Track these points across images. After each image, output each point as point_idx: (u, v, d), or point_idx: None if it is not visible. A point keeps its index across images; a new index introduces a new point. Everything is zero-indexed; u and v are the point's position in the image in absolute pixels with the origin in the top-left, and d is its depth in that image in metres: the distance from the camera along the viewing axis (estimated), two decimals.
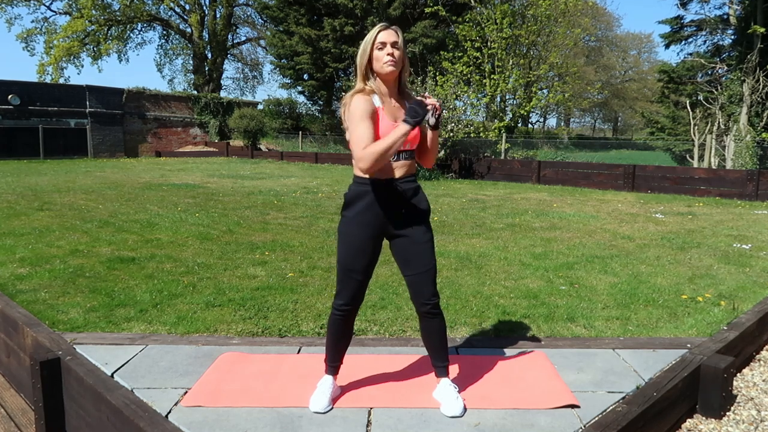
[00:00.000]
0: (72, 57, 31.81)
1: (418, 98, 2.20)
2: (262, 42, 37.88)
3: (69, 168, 16.97)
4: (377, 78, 2.27)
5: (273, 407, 2.37)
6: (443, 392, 2.38)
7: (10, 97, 20.91)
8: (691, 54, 23.06)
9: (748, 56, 16.17)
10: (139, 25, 34.65)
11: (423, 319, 2.41)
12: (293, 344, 3.09)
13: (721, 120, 16.61)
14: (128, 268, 4.75)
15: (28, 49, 35.49)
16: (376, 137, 2.17)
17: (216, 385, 2.55)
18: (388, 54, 2.20)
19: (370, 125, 2.17)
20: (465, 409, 2.33)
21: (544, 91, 24.41)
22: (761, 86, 16.10)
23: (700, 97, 18.30)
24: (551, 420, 2.27)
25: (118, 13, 32.32)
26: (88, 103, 23.00)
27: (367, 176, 2.26)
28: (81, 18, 30.79)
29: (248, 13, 37.93)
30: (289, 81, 31.56)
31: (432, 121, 2.23)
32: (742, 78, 16.57)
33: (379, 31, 2.22)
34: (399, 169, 2.29)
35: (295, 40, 27.99)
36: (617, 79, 56.81)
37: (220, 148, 25.45)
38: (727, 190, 11.10)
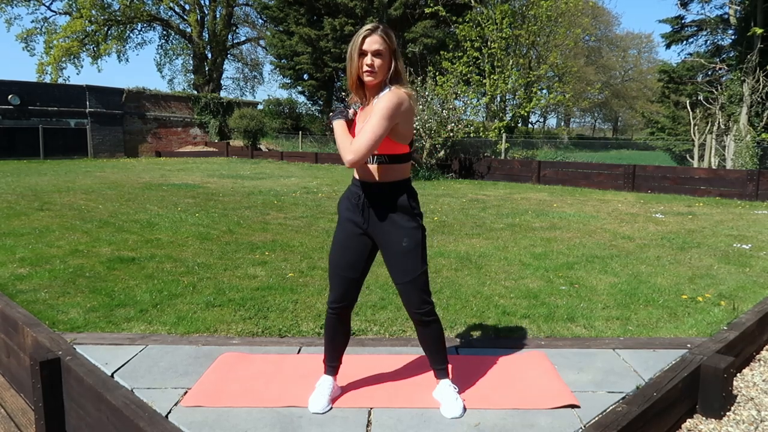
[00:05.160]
0: (72, 57, 31.78)
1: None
2: (262, 42, 37.87)
3: (69, 168, 16.97)
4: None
5: (273, 407, 2.37)
6: (443, 393, 2.38)
7: (10, 97, 20.91)
8: (691, 54, 23.05)
9: (748, 56, 16.16)
10: (139, 25, 34.61)
11: (416, 326, 2.41)
12: (293, 344, 3.09)
13: (721, 120, 16.60)
14: (128, 268, 4.75)
15: (28, 49, 35.43)
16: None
17: (216, 385, 2.55)
18: (367, 65, 2.19)
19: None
20: (465, 409, 2.33)
21: (544, 91, 24.41)
22: (761, 86, 16.09)
23: (700, 97, 18.29)
24: (551, 420, 2.27)
25: (117, 13, 32.28)
26: (88, 103, 23.00)
27: (353, 176, 2.38)
28: (81, 18, 30.76)
29: (248, 13, 37.98)
30: (289, 81, 31.56)
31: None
32: (742, 78, 16.56)
33: (364, 38, 2.18)
34: (372, 172, 2.28)
35: (295, 40, 27.98)
36: (617, 79, 56.79)
37: (220, 148, 25.45)
38: (727, 190, 11.10)
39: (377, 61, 2.18)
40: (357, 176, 2.34)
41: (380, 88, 2.25)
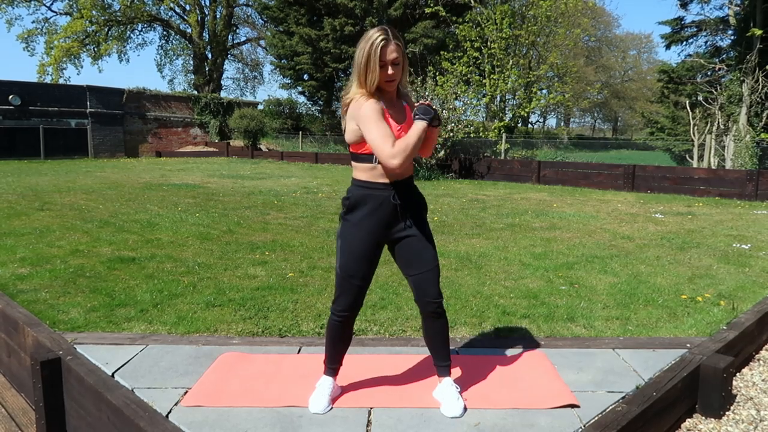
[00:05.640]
0: (72, 57, 31.79)
1: (422, 103, 2.26)
2: (262, 42, 37.86)
3: (69, 168, 16.97)
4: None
5: (273, 407, 2.38)
6: (444, 392, 2.38)
7: (10, 97, 20.91)
8: (691, 55, 23.07)
9: (748, 57, 16.17)
10: (140, 25, 34.61)
11: (427, 319, 2.41)
12: (293, 344, 3.09)
13: (720, 120, 16.61)
14: (128, 268, 4.75)
15: (29, 49, 35.47)
16: None
17: (216, 385, 2.56)
18: (389, 74, 2.20)
19: (387, 125, 2.20)
20: (465, 409, 2.33)
21: (544, 91, 24.42)
22: (760, 86, 16.10)
23: (700, 98, 18.31)
24: (551, 420, 2.27)
25: (118, 14, 32.29)
26: (88, 103, 23.00)
27: (369, 179, 2.27)
28: (81, 18, 30.76)
29: (248, 14, 37.96)
30: (289, 81, 31.57)
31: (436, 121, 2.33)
32: (742, 78, 16.57)
33: (381, 48, 2.16)
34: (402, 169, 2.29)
35: (295, 40, 27.99)
36: (617, 79, 56.80)
37: (220, 148, 25.45)
38: (727, 190, 11.11)
39: (397, 70, 2.22)
40: (381, 179, 2.26)
41: (397, 90, 2.34)
